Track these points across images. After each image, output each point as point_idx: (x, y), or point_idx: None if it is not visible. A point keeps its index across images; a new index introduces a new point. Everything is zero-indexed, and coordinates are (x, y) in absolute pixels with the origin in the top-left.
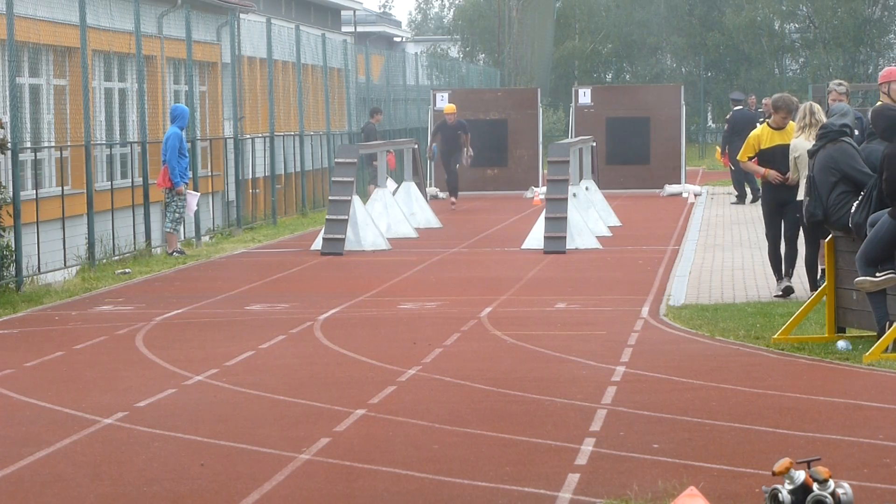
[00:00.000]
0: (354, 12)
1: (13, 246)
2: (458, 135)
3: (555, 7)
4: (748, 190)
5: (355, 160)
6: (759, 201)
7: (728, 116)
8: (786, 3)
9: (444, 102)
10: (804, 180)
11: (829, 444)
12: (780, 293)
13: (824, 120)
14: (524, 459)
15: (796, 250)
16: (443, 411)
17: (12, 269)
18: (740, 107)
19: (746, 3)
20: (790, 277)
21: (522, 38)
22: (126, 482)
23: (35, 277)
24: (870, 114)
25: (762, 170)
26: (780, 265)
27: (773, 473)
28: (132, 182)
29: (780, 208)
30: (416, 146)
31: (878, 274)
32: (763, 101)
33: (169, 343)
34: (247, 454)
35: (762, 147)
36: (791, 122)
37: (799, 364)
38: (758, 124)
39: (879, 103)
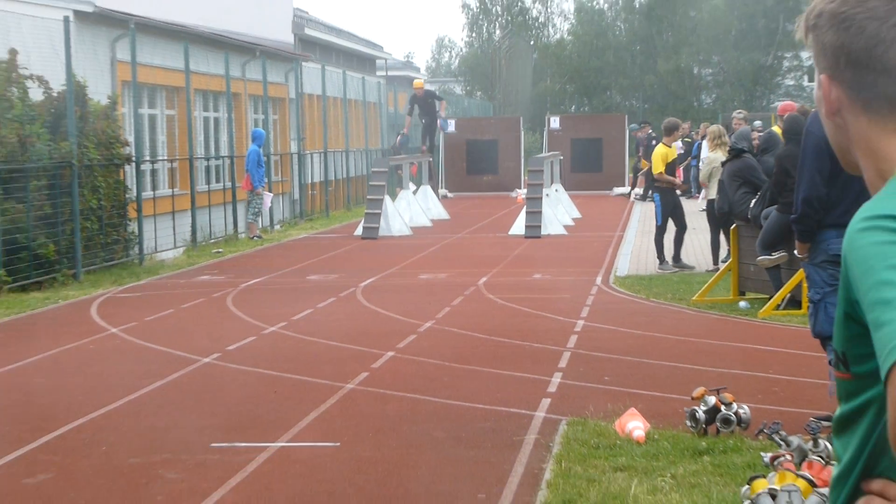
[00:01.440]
0: (386, 61)
1: (137, 232)
2: (431, 103)
3: (532, 58)
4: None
5: (386, 169)
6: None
7: (652, 134)
8: (702, 54)
9: (452, 128)
10: (717, 183)
11: (733, 377)
12: (677, 269)
13: (727, 140)
14: (510, 388)
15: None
16: (451, 353)
17: (136, 249)
18: (651, 131)
19: (673, 54)
20: (679, 255)
21: (509, 79)
22: (219, 405)
23: (153, 255)
24: (786, 117)
25: (677, 180)
26: (664, 249)
27: (692, 398)
28: (223, 185)
29: (674, 209)
30: (431, 160)
31: (773, 253)
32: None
33: (251, 303)
34: (308, 384)
35: (667, 161)
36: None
37: (711, 318)
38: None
39: (778, 126)
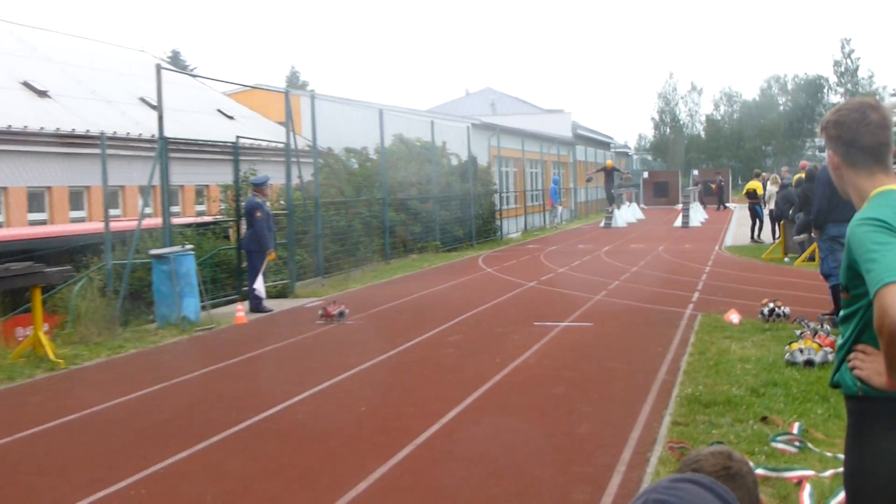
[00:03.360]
0: (612, 144)
1: (499, 225)
2: (612, 174)
3: (684, 142)
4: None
5: (613, 194)
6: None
7: (721, 179)
8: (766, 139)
9: (645, 175)
10: (773, 202)
11: (781, 294)
12: (755, 243)
13: (780, 180)
14: (672, 297)
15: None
16: (645, 281)
17: (499, 233)
18: (721, 177)
19: (753, 139)
20: (756, 236)
21: (674, 152)
22: (537, 304)
23: (506, 236)
24: (807, 169)
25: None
26: (752, 232)
27: (762, 303)
28: (539, 203)
29: (754, 218)
30: (636, 191)
31: (801, 235)
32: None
33: (551, 258)
34: (577, 296)
35: (752, 189)
36: (756, 180)
37: (771, 266)
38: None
39: (803, 173)
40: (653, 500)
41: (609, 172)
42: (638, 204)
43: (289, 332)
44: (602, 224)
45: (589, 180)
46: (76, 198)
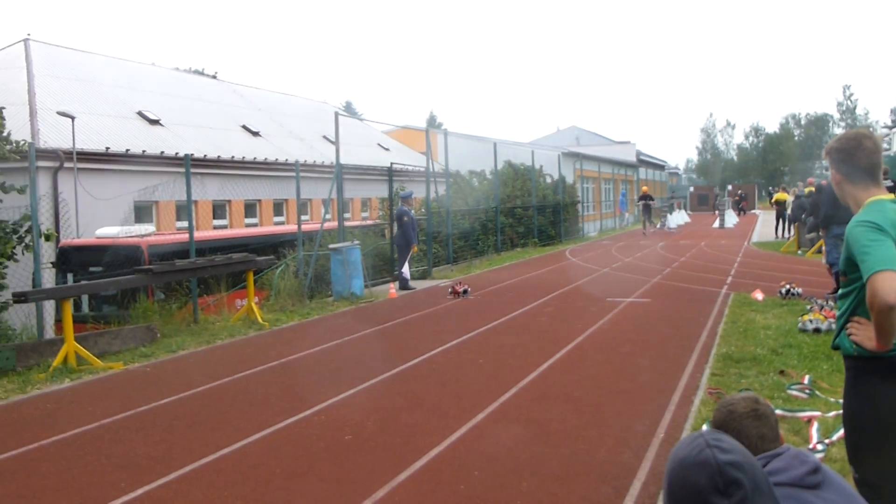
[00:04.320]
0: (666, 166)
1: (582, 226)
2: (647, 198)
3: (721, 164)
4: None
5: (667, 205)
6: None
7: (743, 193)
8: (785, 162)
9: (691, 189)
10: (790, 209)
11: (795, 278)
12: (776, 239)
13: (796, 192)
14: (711, 280)
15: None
16: (691, 265)
17: (580, 232)
18: (743, 192)
19: (774, 162)
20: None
21: (713, 171)
22: (608, 284)
23: (586, 234)
24: (815, 184)
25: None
26: (776, 233)
27: (780, 285)
28: (610, 210)
29: (778, 218)
30: (681, 201)
31: (811, 234)
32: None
33: (620, 250)
34: (637, 278)
35: (779, 199)
36: (783, 192)
37: (787, 257)
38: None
39: (813, 187)
40: (712, 439)
41: (644, 198)
42: (685, 211)
43: (427, 304)
44: (659, 226)
45: (634, 213)
46: (278, 207)
